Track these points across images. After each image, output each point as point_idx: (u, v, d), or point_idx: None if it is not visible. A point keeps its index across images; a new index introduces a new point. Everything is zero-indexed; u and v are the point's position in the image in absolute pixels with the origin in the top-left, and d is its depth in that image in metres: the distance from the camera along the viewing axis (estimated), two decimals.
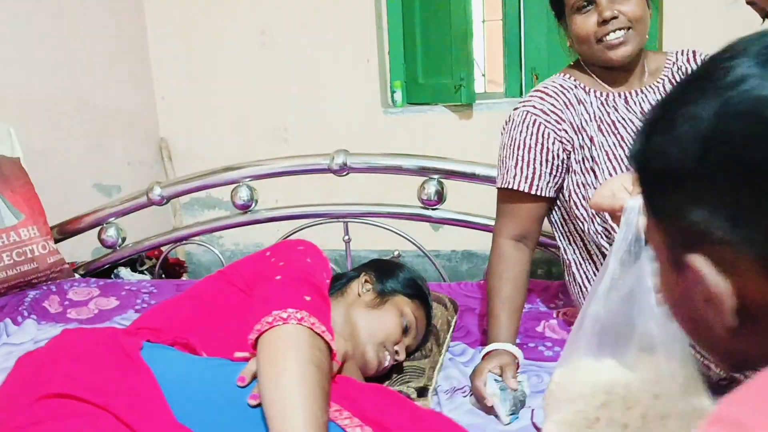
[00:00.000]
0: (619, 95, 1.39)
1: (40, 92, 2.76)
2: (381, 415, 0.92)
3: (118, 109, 3.26)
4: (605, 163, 1.34)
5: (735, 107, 0.47)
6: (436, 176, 1.98)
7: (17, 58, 2.65)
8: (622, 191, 1.00)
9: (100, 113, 3.12)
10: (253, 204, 2.17)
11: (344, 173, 2.07)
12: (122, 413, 0.80)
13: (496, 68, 3.56)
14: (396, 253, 2.10)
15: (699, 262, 0.50)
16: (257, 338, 0.92)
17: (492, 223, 1.98)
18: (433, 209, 2.02)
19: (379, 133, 3.28)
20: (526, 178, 1.38)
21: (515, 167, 1.38)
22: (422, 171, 2.00)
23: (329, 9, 3.27)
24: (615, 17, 1.30)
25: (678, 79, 1.40)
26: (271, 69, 3.40)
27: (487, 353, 1.32)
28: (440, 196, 1.99)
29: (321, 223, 2.15)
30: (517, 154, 1.38)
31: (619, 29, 1.31)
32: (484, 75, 3.91)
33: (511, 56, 3.20)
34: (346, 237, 2.12)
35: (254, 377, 0.90)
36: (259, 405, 0.86)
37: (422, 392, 1.30)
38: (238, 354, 0.96)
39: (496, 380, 1.23)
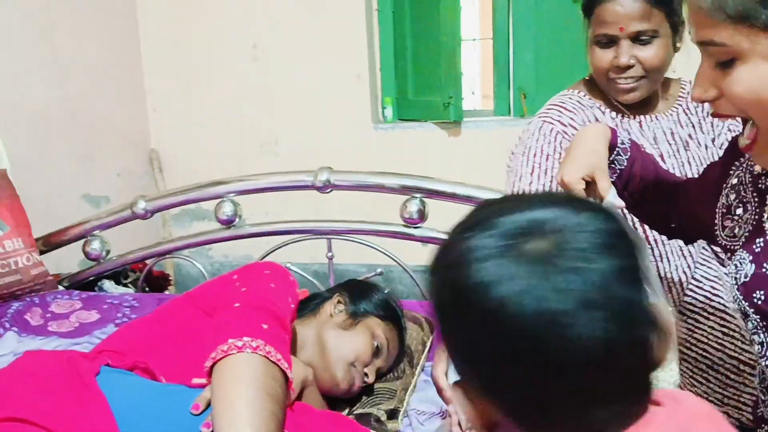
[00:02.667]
0: (634, 117, 1.37)
1: (29, 103, 2.77)
2: None
3: (109, 121, 3.27)
4: (613, 187, 1.32)
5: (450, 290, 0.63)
6: (418, 195, 2.00)
7: (7, 70, 2.66)
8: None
9: (91, 124, 3.13)
10: (237, 219, 2.18)
11: (328, 190, 2.08)
12: None
13: (490, 86, 3.59)
14: (379, 270, 2.11)
15: (456, 393, 0.68)
16: (212, 366, 0.93)
17: None
18: (415, 227, 2.03)
19: (369, 148, 3.30)
20: (543, 186, 1.30)
21: (531, 174, 1.31)
22: (404, 189, 2.01)
23: (321, 24, 3.29)
24: (631, 66, 1.27)
25: (693, 110, 1.40)
26: (263, 82, 3.42)
27: None
28: (422, 215, 2.00)
29: (306, 239, 2.16)
30: (534, 162, 1.31)
31: (632, 77, 1.28)
32: (473, 93, 3.95)
33: (500, 75, 3.22)
34: (329, 254, 2.13)
35: (209, 405, 0.91)
36: None
37: (393, 414, 1.30)
38: (196, 380, 0.96)
39: None
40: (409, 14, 3.20)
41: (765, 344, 0.88)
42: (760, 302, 0.86)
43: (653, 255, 1.33)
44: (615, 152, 1.07)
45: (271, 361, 0.93)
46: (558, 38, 2.96)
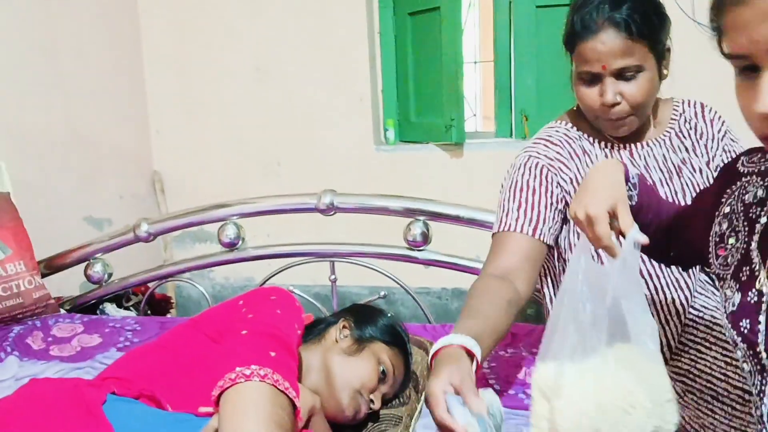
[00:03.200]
0: (624, 147, 1.35)
1: (32, 126, 2.78)
2: None
3: (112, 143, 3.29)
4: None
5: None
6: (422, 217, 1.99)
7: (10, 92, 2.67)
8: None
9: (94, 147, 3.14)
10: (240, 242, 2.18)
11: (331, 213, 2.08)
12: None
13: (491, 108, 3.60)
14: (382, 293, 2.10)
15: None
16: (220, 394, 0.92)
17: (478, 266, 2.01)
18: (419, 250, 2.02)
19: (371, 170, 3.31)
20: (530, 221, 1.28)
21: (518, 209, 1.29)
22: (408, 212, 2.01)
23: (324, 47, 3.32)
24: (617, 103, 1.25)
25: (685, 133, 1.38)
26: (266, 105, 3.44)
27: (435, 353, 1.00)
28: (426, 238, 2.00)
29: (309, 262, 2.15)
30: (521, 197, 1.30)
31: (619, 112, 1.26)
32: (475, 115, 3.97)
33: (501, 97, 3.24)
34: (333, 276, 2.12)
35: None
36: None
37: None
38: (203, 409, 0.96)
39: (462, 404, 0.91)
40: (410, 37, 3.22)
41: (752, 373, 0.86)
42: (746, 331, 0.84)
43: (648, 288, 1.32)
44: (627, 187, 1.06)
45: (278, 389, 0.92)
46: (559, 60, 2.93)
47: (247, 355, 0.95)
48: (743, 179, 0.95)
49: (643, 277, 1.29)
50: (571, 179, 1.32)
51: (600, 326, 0.94)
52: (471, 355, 0.98)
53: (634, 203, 1.06)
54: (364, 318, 1.35)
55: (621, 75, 1.24)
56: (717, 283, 0.96)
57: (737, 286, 0.87)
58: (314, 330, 1.32)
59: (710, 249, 0.96)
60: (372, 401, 1.26)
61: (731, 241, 0.92)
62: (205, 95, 3.52)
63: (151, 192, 3.57)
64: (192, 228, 3.45)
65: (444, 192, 2.76)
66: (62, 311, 2.27)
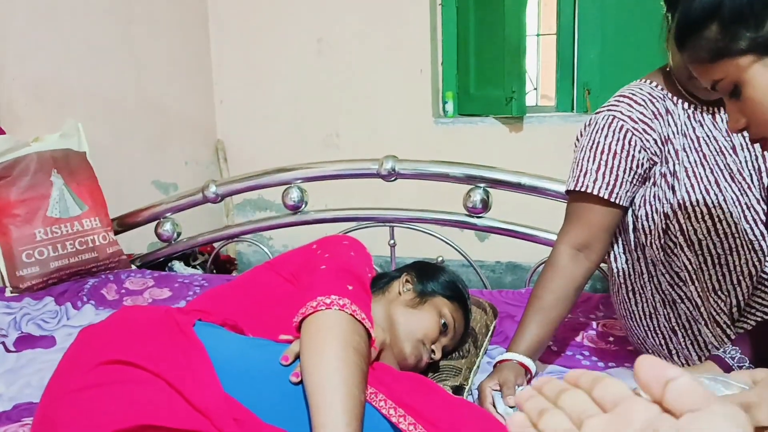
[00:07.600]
0: (708, 110, 1.34)
1: (107, 92, 2.90)
2: (414, 400, 0.95)
3: (178, 111, 3.39)
4: (684, 180, 1.29)
5: None
6: (482, 185, 2.01)
7: (89, 60, 2.79)
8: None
9: (162, 114, 3.26)
10: (303, 205, 2.23)
11: (392, 179, 2.12)
12: (175, 381, 0.86)
13: (550, 82, 3.57)
14: (440, 258, 2.13)
15: None
16: (301, 321, 0.98)
17: (537, 233, 2.02)
18: (478, 217, 2.04)
19: (429, 142, 3.33)
20: (608, 184, 1.31)
21: (596, 171, 1.32)
22: (469, 179, 2.03)
23: (385, 19, 3.34)
24: None
25: None
26: (326, 76, 3.49)
27: (498, 362, 1.32)
28: (485, 205, 2.02)
29: (368, 227, 2.20)
30: (600, 159, 1.32)
31: None
32: (536, 89, 3.92)
33: (563, 71, 3.21)
34: (392, 241, 2.16)
35: (297, 357, 0.96)
36: (301, 382, 0.92)
37: (457, 391, 1.33)
38: (283, 336, 1.01)
39: (503, 397, 1.22)
40: (473, 9, 3.22)
41: None
42: None
43: (723, 248, 1.31)
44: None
45: (356, 319, 0.97)
46: (624, 33, 2.93)
47: (327, 286, 1.00)
48: None
49: (718, 236, 1.29)
50: (655, 140, 1.31)
51: None
52: (526, 368, 1.30)
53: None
54: (426, 273, 1.39)
55: None
56: None
57: None
58: (378, 283, 1.36)
59: None
60: (433, 351, 1.29)
61: None
62: (268, 67, 3.60)
63: (214, 160, 3.67)
64: (253, 196, 3.56)
65: (503, 165, 2.73)
66: (133, 267, 2.38)
